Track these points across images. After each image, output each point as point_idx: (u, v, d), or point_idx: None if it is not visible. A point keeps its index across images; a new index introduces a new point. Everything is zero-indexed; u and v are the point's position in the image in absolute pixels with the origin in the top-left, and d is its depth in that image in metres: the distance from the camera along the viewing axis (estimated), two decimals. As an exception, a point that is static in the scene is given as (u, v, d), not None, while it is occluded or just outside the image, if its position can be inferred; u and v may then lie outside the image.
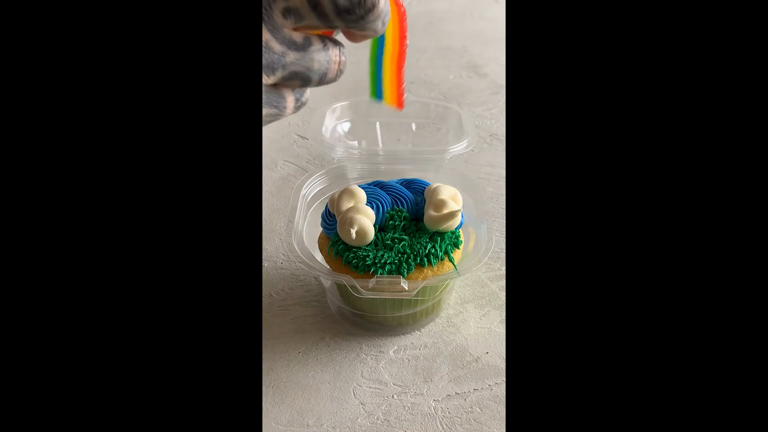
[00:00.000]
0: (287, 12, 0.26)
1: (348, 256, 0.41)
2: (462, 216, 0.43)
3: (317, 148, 0.55)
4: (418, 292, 0.39)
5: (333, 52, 0.28)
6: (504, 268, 0.49)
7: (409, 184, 0.46)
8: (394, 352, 0.43)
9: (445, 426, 0.38)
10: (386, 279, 0.39)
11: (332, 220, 0.43)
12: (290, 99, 0.28)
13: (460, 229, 0.43)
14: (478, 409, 0.39)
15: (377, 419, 0.39)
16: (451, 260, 0.41)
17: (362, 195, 0.43)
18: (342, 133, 0.53)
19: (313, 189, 0.48)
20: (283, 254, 0.51)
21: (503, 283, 0.48)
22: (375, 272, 0.40)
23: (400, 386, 0.41)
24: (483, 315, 0.46)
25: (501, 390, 0.40)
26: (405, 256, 0.40)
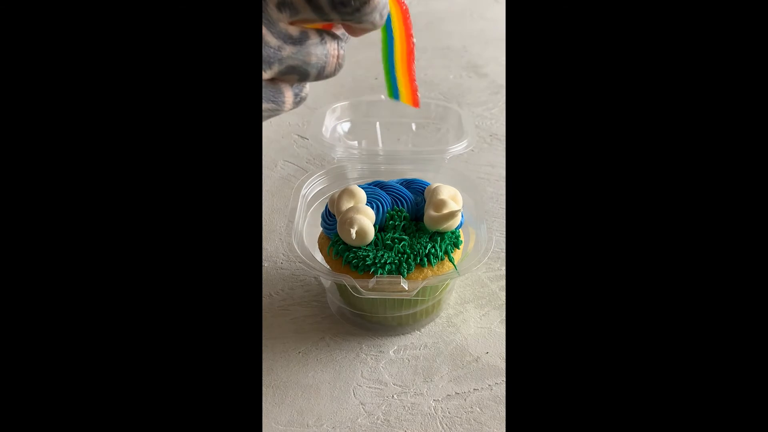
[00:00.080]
0: (282, 5, 0.25)
1: (348, 256, 0.41)
2: (462, 216, 0.43)
3: (317, 148, 0.55)
4: (418, 292, 0.39)
5: (331, 46, 0.28)
6: (504, 268, 0.49)
7: (409, 184, 0.46)
8: (394, 352, 0.43)
9: (445, 426, 0.38)
10: (386, 279, 0.39)
11: (332, 220, 0.43)
12: (288, 94, 0.28)
13: (460, 229, 0.43)
14: (478, 409, 0.39)
15: (377, 419, 0.39)
16: (451, 260, 0.41)
17: (362, 195, 0.43)
18: (342, 133, 0.53)
19: (313, 189, 0.48)
20: (283, 254, 0.51)
21: (503, 283, 0.48)
22: (375, 272, 0.40)
23: (400, 386, 0.41)
24: (483, 315, 0.46)
25: (501, 390, 0.40)
26: (405, 256, 0.40)
